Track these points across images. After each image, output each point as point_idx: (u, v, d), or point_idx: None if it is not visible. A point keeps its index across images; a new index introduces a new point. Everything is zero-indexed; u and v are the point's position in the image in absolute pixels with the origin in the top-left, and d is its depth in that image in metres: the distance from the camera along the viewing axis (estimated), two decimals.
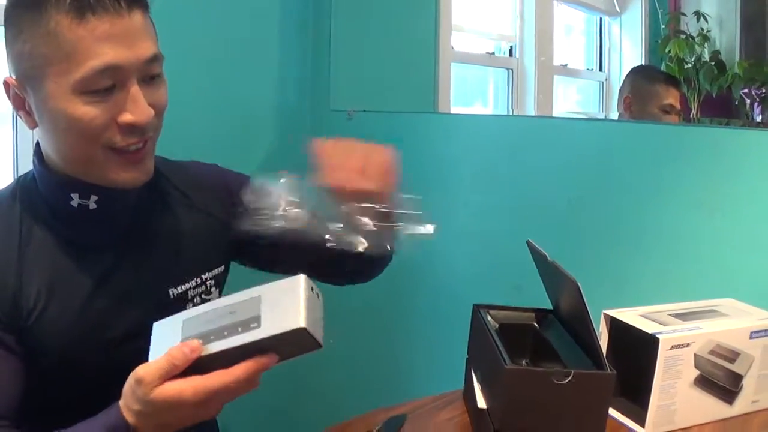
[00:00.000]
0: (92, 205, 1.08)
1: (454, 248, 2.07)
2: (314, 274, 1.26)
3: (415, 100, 2.21)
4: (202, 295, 1.21)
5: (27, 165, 1.72)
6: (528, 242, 1.23)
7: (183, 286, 1.18)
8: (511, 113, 2.36)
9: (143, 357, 1.09)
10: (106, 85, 0.98)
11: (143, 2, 1.02)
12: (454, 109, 2.32)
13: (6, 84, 1.05)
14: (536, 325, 1.27)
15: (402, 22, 2.23)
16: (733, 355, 1.24)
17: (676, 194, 1.71)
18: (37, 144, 1.11)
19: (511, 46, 2.37)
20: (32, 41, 0.98)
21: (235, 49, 2.06)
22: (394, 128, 2.17)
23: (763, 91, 2.12)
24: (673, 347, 1.18)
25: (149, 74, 1.03)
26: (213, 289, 1.23)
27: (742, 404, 1.28)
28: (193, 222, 1.23)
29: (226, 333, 0.88)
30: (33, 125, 1.06)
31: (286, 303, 0.87)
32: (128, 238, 1.14)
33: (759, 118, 2.13)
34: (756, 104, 2.13)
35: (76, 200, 1.07)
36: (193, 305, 1.18)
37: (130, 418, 0.90)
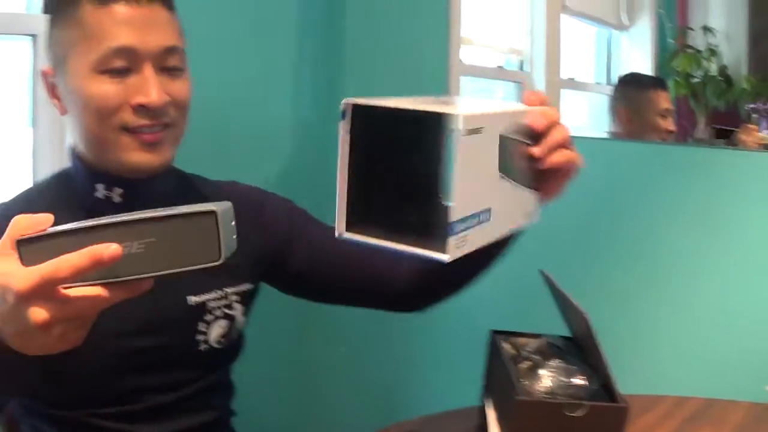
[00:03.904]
0: (116, 198, 1.12)
1: None
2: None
3: None
4: (224, 309, 1.20)
5: (46, 172, 1.77)
6: (541, 272, 1.25)
7: (203, 296, 1.18)
8: None
9: (150, 354, 1.13)
10: (121, 65, 1.05)
11: None
12: None
13: (44, 74, 1.13)
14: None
15: (414, 35, 2.23)
16: None
17: (678, 213, 1.75)
18: None
19: (521, 60, 2.39)
20: (63, 27, 1.08)
21: (252, 64, 2.07)
22: None
23: None
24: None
25: (166, 65, 1.09)
26: (236, 305, 1.22)
27: None
28: None
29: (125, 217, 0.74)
30: (63, 111, 1.12)
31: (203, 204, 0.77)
32: None
33: (766, 132, 2.15)
34: (764, 119, 2.15)
35: (101, 191, 1.12)
36: (214, 317, 1.19)
37: None
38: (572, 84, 2.42)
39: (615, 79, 2.41)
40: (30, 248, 0.72)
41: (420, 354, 2.26)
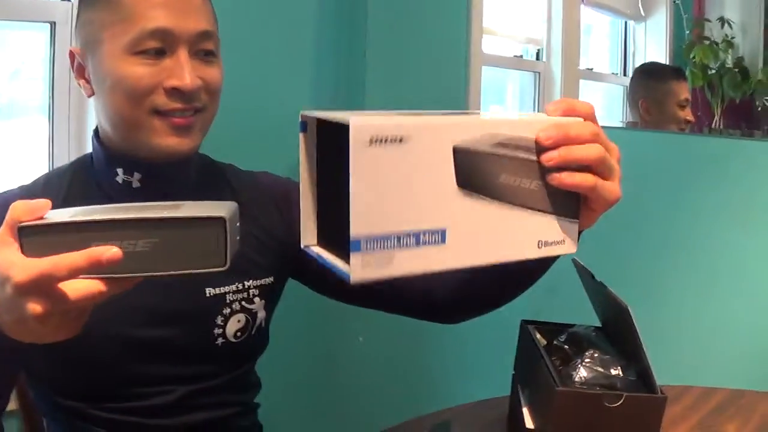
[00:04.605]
0: (135, 183, 1.11)
1: None
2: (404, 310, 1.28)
3: (447, 103, 2.22)
4: (242, 302, 1.17)
5: (63, 159, 1.76)
6: (573, 260, 1.24)
7: (222, 288, 1.15)
8: None
9: (162, 346, 1.12)
10: (156, 47, 1.04)
11: None
12: None
13: (71, 54, 1.12)
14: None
15: (435, 26, 2.23)
16: None
17: (702, 203, 1.76)
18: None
19: (538, 50, 2.39)
20: (97, 9, 1.07)
21: (269, 51, 2.06)
22: None
23: None
24: None
25: (201, 48, 1.08)
26: (256, 299, 1.19)
27: None
28: (242, 229, 1.22)
29: (130, 212, 0.73)
30: (90, 93, 1.11)
31: (210, 205, 0.77)
32: None
33: None
34: None
35: (120, 176, 1.11)
36: (231, 311, 1.16)
37: None
38: (590, 74, 2.42)
39: (630, 70, 2.41)
40: (31, 237, 0.71)
41: (440, 342, 2.27)
